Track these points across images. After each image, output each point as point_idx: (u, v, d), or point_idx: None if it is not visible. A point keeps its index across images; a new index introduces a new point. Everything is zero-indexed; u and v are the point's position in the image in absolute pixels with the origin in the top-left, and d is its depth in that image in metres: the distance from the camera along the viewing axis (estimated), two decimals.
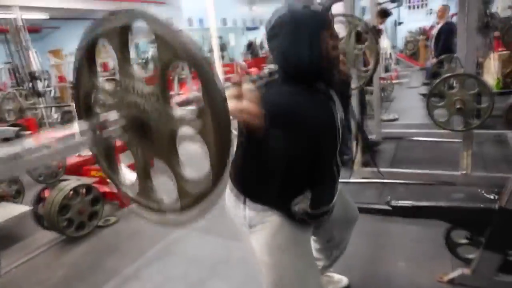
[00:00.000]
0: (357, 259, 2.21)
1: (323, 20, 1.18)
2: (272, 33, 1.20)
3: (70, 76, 8.55)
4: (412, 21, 12.76)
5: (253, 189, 1.23)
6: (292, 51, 1.16)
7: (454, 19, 5.53)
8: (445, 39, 5.15)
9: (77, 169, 3.55)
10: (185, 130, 0.63)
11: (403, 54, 10.29)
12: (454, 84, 2.98)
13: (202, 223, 2.94)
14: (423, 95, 5.74)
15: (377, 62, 1.92)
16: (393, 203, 1.96)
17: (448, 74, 2.73)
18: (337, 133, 1.24)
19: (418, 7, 13.82)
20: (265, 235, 1.24)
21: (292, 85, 1.16)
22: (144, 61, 10.15)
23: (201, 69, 0.56)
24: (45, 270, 2.60)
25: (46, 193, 3.03)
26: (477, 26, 3.39)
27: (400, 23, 12.86)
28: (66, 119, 7.91)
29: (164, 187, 0.74)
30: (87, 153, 3.58)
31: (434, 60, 5.38)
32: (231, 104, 0.84)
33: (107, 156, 0.81)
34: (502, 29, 4.40)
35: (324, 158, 1.24)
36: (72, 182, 2.94)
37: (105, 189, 3.43)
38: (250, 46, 13.38)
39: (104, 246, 2.83)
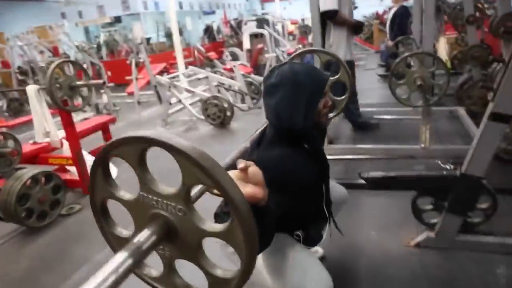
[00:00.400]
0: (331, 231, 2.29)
1: (322, 86, 1.23)
2: (270, 90, 1.22)
3: (15, 61, 7.92)
4: (366, 6, 13.15)
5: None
6: (287, 113, 1.19)
7: (406, 3, 5.77)
8: (400, 22, 5.37)
9: (33, 158, 3.34)
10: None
11: (358, 38, 10.60)
12: (412, 63, 3.13)
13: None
14: (381, 76, 5.99)
15: (351, 91, 1.92)
16: (365, 175, 2.04)
17: (410, 53, 2.86)
18: (319, 186, 1.34)
19: None
20: None
21: (282, 144, 1.21)
22: (96, 45, 9.66)
23: (227, 193, 0.60)
24: (5, 263, 2.44)
25: (1, 183, 2.82)
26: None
27: (355, 8, 13.21)
28: (13, 108, 7.37)
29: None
30: (42, 140, 3.37)
31: (390, 43, 5.61)
32: (236, 176, 0.91)
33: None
34: (451, 13, 4.67)
35: (309, 209, 1.35)
36: (30, 170, 2.76)
37: (67, 176, 3.27)
38: (207, 31, 13.14)
39: (70, 235, 2.71)
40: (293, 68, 1.22)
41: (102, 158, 0.72)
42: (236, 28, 12.28)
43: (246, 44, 7.27)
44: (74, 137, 3.13)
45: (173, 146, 0.60)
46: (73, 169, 3.35)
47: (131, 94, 6.06)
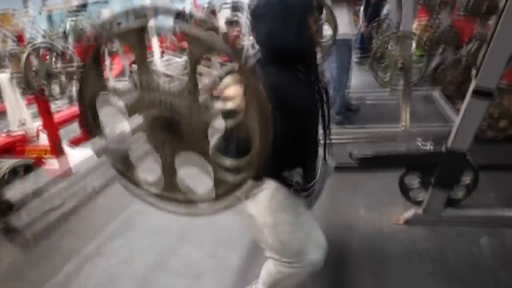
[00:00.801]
0: (321, 212, 2.33)
1: (311, 3, 1.21)
2: (258, 13, 1.20)
3: None
4: None
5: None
6: (279, 33, 1.17)
7: None
8: (374, 5, 5.45)
9: (8, 149, 3.17)
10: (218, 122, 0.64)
11: None
12: (390, 46, 3.18)
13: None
14: (359, 59, 6.04)
15: (335, 32, 1.97)
16: (355, 154, 2.08)
17: (391, 32, 2.91)
18: (318, 111, 1.31)
19: None
20: (264, 199, 1.27)
21: (275, 66, 1.17)
22: (63, 33, 9.20)
23: (240, 60, 0.57)
24: None
25: None
26: None
27: None
28: None
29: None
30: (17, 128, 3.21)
31: (364, 27, 5.67)
32: (238, 90, 0.89)
33: (124, 160, 0.78)
34: None
35: (308, 133, 1.31)
36: (8, 161, 2.63)
37: (46, 168, 3.14)
38: (179, 16, 12.81)
39: (53, 229, 2.61)
40: None
41: (95, 47, 0.67)
42: (210, 14, 12.05)
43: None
44: (52, 126, 3.00)
45: (182, 11, 0.60)
46: (51, 160, 3.22)
47: None
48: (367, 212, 2.34)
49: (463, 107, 1.89)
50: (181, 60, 5.29)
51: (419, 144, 3.05)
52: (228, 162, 0.67)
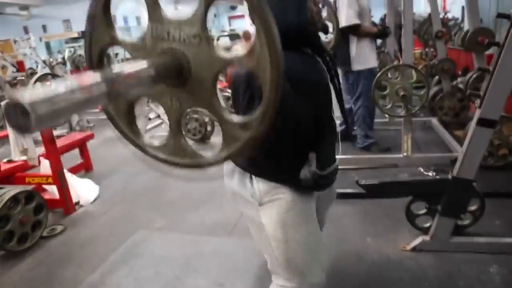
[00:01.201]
0: (328, 240, 2.32)
1: None
2: None
3: None
4: None
5: (263, 165, 1.24)
6: (280, 16, 1.14)
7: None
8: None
9: (7, 177, 3.15)
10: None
11: None
12: (390, 75, 3.28)
13: (162, 222, 2.82)
14: None
15: (338, 33, 1.99)
16: (362, 182, 2.10)
17: (392, 65, 3.01)
18: (329, 91, 1.28)
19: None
20: (278, 211, 1.24)
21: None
22: (62, 62, 9.33)
23: (256, 5, 0.53)
24: None
25: None
26: (398, 25, 3.79)
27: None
28: None
29: None
30: (18, 158, 3.20)
31: None
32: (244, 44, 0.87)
33: (126, 115, 0.72)
34: (418, 29, 4.97)
35: (323, 114, 1.26)
36: (10, 189, 2.60)
37: (46, 196, 3.11)
38: None
39: (55, 258, 2.55)
40: None
41: None
42: None
43: None
44: (55, 154, 3.00)
45: None
46: (51, 188, 3.20)
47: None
48: (374, 240, 2.33)
49: (468, 136, 1.94)
50: None
51: (421, 171, 3.11)
52: (237, 118, 0.63)
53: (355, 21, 3.18)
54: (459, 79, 4.31)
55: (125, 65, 0.53)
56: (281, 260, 1.28)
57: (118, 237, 2.68)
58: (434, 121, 4.08)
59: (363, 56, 3.31)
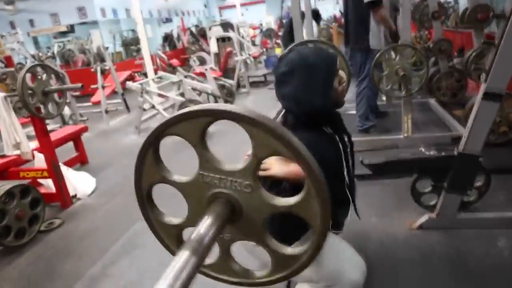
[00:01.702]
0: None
1: (334, 64, 1.22)
2: (283, 79, 1.22)
3: None
4: (322, 10, 13.56)
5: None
6: (306, 96, 1.19)
7: None
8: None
9: (1, 172, 3.06)
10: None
11: None
12: (387, 56, 3.22)
13: (163, 211, 2.79)
14: None
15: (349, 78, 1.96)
16: (366, 161, 2.07)
17: (391, 45, 2.96)
18: (345, 167, 1.32)
19: None
20: None
21: (304, 129, 1.19)
22: (51, 56, 9.14)
23: (305, 160, 0.58)
24: None
25: None
26: (393, 7, 3.73)
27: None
28: None
29: None
30: (11, 153, 3.11)
31: None
32: (278, 167, 0.97)
33: (175, 238, 0.79)
34: (414, 11, 4.91)
35: (339, 189, 1.32)
36: (4, 183, 2.53)
37: (41, 190, 3.04)
38: (167, 38, 12.92)
39: (54, 252, 2.50)
40: (302, 52, 1.22)
41: (154, 138, 0.67)
42: (197, 35, 12.17)
43: (214, 48, 7.21)
44: (49, 147, 2.92)
45: (246, 116, 0.57)
46: (47, 182, 3.12)
47: (96, 103, 5.78)
48: (380, 220, 2.31)
49: (473, 110, 1.90)
50: (174, 79, 5.28)
51: (422, 151, 3.08)
52: (289, 250, 0.68)
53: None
54: (455, 60, 4.28)
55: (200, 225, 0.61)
56: (311, 272, 1.23)
57: (118, 228, 2.63)
58: (432, 101, 4.06)
59: (378, 36, 3.30)
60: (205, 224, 0.61)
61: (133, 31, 12.79)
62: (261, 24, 14.43)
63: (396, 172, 2.09)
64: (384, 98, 4.51)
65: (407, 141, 3.18)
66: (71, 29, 12.36)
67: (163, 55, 10.51)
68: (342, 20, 10.57)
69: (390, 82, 2.92)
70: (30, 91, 2.69)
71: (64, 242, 2.59)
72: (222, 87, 5.70)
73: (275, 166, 1.07)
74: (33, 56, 7.38)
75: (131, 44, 12.54)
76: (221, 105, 0.60)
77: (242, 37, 8.76)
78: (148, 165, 0.71)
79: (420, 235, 2.12)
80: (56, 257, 2.42)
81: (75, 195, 3.20)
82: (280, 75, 1.22)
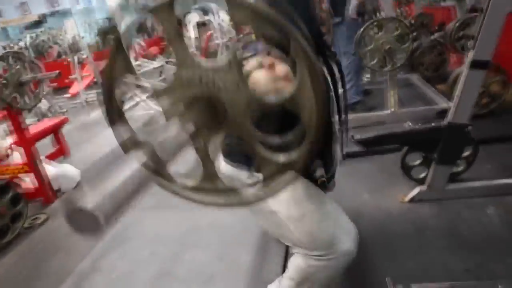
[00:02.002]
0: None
1: None
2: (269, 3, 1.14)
3: None
4: None
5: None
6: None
7: None
8: None
9: None
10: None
11: None
12: (371, 31, 3.17)
13: (152, 201, 2.67)
14: None
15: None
16: (357, 137, 2.05)
17: (375, 19, 2.92)
18: (329, 93, 1.22)
19: None
20: (286, 192, 1.17)
21: None
22: (24, 48, 8.77)
23: (297, 38, 0.51)
24: None
25: None
26: None
27: None
28: None
29: None
30: None
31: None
32: (266, 74, 0.84)
33: (153, 154, 0.69)
34: None
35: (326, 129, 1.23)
36: None
37: (24, 186, 2.92)
38: (141, 27, 12.54)
39: (40, 248, 2.42)
40: None
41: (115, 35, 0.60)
42: None
43: (194, 33, 7.04)
44: (27, 140, 2.79)
45: None
46: (29, 178, 3.00)
47: (75, 95, 5.59)
48: (371, 195, 2.31)
49: (461, 80, 1.90)
50: (155, 64, 5.14)
51: (409, 125, 3.09)
52: (277, 139, 0.61)
53: None
54: (436, 34, 4.29)
55: (164, 129, 0.53)
56: (305, 239, 1.20)
57: None
58: (414, 77, 4.07)
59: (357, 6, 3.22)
60: (174, 128, 0.54)
61: (109, 19, 12.38)
62: None
63: (387, 146, 2.08)
64: (367, 76, 4.51)
65: (394, 117, 3.18)
66: (43, 19, 11.86)
67: (142, 43, 10.24)
68: None
69: (375, 57, 2.90)
70: (3, 81, 2.55)
71: (51, 238, 2.51)
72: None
73: (262, 79, 0.97)
74: (4, 48, 7.06)
75: (108, 33, 12.15)
76: None
77: (222, 21, 8.58)
78: (116, 60, 0.63)
79: (413, 208, 2.13)
80: (44, 254, 2.34)
81: (59, 189, 3.09)
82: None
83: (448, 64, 4.00)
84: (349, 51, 3.23)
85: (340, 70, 1.29)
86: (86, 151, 4.06)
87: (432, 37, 3.93)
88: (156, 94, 0.61)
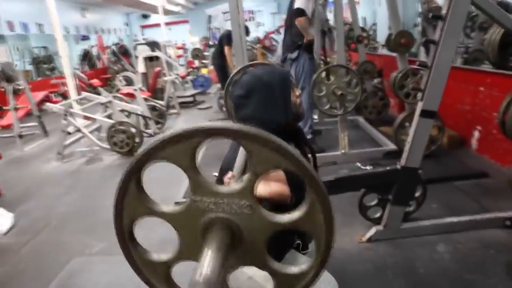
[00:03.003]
0: None
1: (288, 79, 1.26)
2: (241, 102, 1.22)
3: None
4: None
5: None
6: (268, 114, 1.20)
7: None
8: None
9: None
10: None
11: None
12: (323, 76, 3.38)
13: (100, 245, 2.50)
14: None
15: None
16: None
17: (327, 66, 3.12)
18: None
19: (248, 20, 15.32)
20: None
21: None
22: None
23: (308, 172, 0.56)
24: None
25: None
26: (322, 31, 4.00)
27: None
28: None
29: None
30: None
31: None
32: (261, 187, 0.91)
33: (165, 277, 0.72)
34: None
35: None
36: None
37: None
38: (86, 56, 12.13)
39: None
40: (255, 73, 1.24)
41: (138, 167, 0.60)
42: (119, 53, 11.65)
43: (141, 67, 6.93)
44: None
45: (246, 132, 0.54)
46: None
47: (7, 127, 5.12)
48: None
49: (412, 127, 2.07)
50: (102, 100, 4.94)
51: (359, 166, 3.28)
52: (294, 269, 0.65)
53: (304, 8, 3.32)
54: (375, 80, 4.70)
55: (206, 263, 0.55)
56: None
57: (49, 270, 2.30)
58: (361, 119, 4.36)
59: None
60: (208, 259, 0.55)
61: (45, 48, 11.77)
62: (184, 44, 14.37)
63: (348, 188, 2.17)
64: (315, 116, 4.74)
65: (345, 157, 3.35)
66: None
67: (82, 75, 9.82)
68: (266, 41, 10.95)
69: (328, 101, 3.07)
70: None
71: None
72: (153, 108, 5.47)
73: (259, 187, 1.03)
74: None
75: (44, 62, 11.51)
76: (217, 123, 0.55)
77: (169, 57, 8.59)
78: (131, 198, 0.63)
79: (371, 247, 2.21)
80: None
81: None
82: (237, 98, 1.22)
83: (389, 108, 4.37)
84: (305, 86, 3.40)
85: (313, 154, 1.39)
86: (21, 190, 3.68)
87: (373, 83, 4.29)
88: (167, 217, 0.64)
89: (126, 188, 0.61)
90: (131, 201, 0.63)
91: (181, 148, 0.56)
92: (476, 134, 3.44)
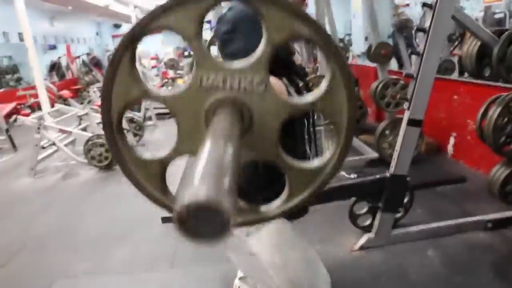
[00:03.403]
0: None
1: None
2: (228, 37, 1.16)
3: None
4: None
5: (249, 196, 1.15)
6: (257, 46, 1.15)
7: None
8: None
9: None
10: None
11: None
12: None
13: (84, 265, 2.42)
14: None
15: None
16: None
17: (310, 77, 3.17)
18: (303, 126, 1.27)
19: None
20: (269, 235, 1.15)
21: None
22: None
23: (328, 39, 0.50)
24: None
25: None
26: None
27: None
28: None
29: None
30: None
31: None
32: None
33: (157, 177, 0.59)
34: (313, 47, 5.41)
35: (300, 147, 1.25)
36: None
37: None
38: (54, 67, 11.72)
39: None
40: (238, 8, 1.18)
41: (134, 36, 0.50)
42: (90, 64, 11.36)
43: None
44: None
45: None
46: None
47: None
48: (323, 246, 2.37)
49: (400, 136, 2.13)
50: (79, 112, 4.78)
51: (344, 175, 3.32)
52: (312, 164, 0.57)
53: None
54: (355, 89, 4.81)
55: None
56: (285, 286, 1.17)
57: None
58: None
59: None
60: (214, 146, 0.40)
61: (10, 57, 11.29)
62: (156, 55, 14.23)
63: (339, 197, 2.19)
64: None
65: None
66: None
67: (51, 86, 9.47)
68: None
69: None
70: None
71: None
72: (130, 120, 5.34)
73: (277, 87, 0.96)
74: None
75: (7, 73, 11.03)
76: None
77: (144, 68, 8.47)
78: (123, 76, 0.52)
79: (364, 255, 2.23)
80: None
81: None
82: (223, 34, 1.15)
83: (367, 117, 4.49)
84: None
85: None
86: None
87: None
88: (167, 101, 0.53)
89: (118, 65, 0.52)
90: (123, 80, 0.53)
91: (186, 13, 0.49)
92: (452, 140, 3.59)
